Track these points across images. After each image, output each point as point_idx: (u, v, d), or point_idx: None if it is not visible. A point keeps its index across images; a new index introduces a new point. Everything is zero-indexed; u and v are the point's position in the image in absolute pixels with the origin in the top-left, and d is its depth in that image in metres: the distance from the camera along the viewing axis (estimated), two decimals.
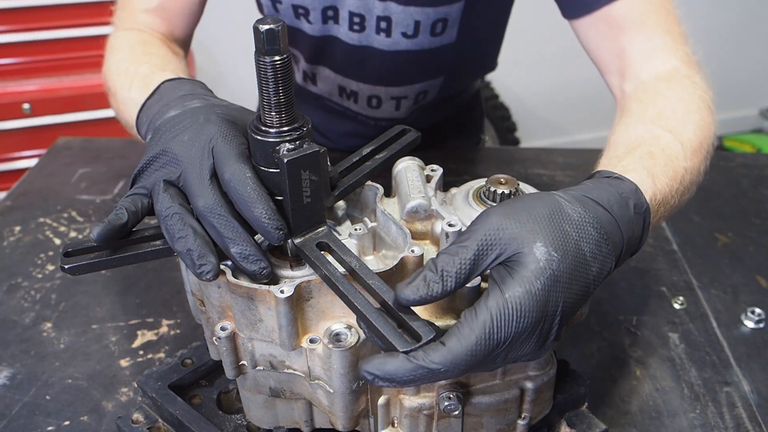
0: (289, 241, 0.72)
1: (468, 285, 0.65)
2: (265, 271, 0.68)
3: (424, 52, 1.22)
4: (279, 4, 1.21)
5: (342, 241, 0.70)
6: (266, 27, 0.61)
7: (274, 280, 0.71)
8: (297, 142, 0.65)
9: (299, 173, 0.65)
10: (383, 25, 1.18)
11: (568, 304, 0.62)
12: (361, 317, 0.62)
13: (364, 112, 1.39)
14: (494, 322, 0.58)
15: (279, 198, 0.68)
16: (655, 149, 0.80)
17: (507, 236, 0.61)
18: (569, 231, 0.63)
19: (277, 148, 0.65)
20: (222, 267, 0.68)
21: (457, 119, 1.56)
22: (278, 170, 0.66)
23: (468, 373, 0.60)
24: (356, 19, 1.19)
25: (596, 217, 0.65)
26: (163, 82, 0.87)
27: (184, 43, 1.21)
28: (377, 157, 0.79)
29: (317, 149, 0.65)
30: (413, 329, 0.59)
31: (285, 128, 0.65)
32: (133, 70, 0.99)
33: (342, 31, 1.22)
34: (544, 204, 0.65)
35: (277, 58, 0.62)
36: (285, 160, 0.63)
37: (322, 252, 0.68)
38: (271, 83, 0.63)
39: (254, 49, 0.63)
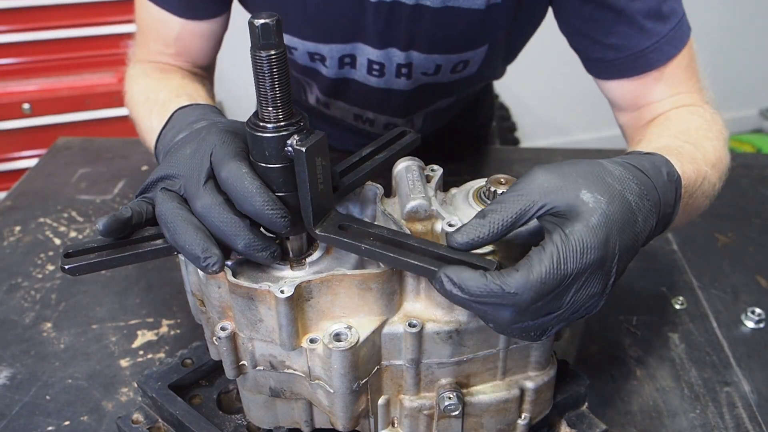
0: (289, 239, 0.72)
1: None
2: (276, 253, 0.69)
3: (442, 84, 1.21)
4: (295, 50, 1.18)
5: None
6: (261, 21, 0.61)
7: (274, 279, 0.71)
8: (303, 132, 0.65)
9: (314, 160, 0.65)
10: (404, 71, 1.16)
11: (623, 248, 0.64)
12: (426, 272, 0.64)
13: (380, 132, 1.38)
14: (560, 253, 0.61)
15: (280, 194, 0.68)
16: (681, 150, 0.84)
17: (552, 187, 0.64)
18: (612, 183, 0.66)
19: (288, 141, 0.65)
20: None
21: (467, 114, 1.56)
22: (280, 165, 0.66)
23: (536, 305, 0.61)
24: (375, 66, 1.17)
25: (635, 176, 0.69)
26: (176, 111, 0.89)
27: (207, 68, 1.22)
28: (377, 157, 0.79)
29: (324, 133, 0.66)
30: (479, 265, 0.62)
31: (283, 123, 0.65)
32: (153, 98, 1.01)
33: (359, 74, 1.20)
34: (586, 162, 0.68)
35: (272, 52, 0.62)
36: (304, 149, 0.63)
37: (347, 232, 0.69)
38: (267, 78, 0.63)
39: (250, 45, 0.63)
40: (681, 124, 0.96)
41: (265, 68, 0.63)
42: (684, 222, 0.88)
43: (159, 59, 1.15)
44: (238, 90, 3.01)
